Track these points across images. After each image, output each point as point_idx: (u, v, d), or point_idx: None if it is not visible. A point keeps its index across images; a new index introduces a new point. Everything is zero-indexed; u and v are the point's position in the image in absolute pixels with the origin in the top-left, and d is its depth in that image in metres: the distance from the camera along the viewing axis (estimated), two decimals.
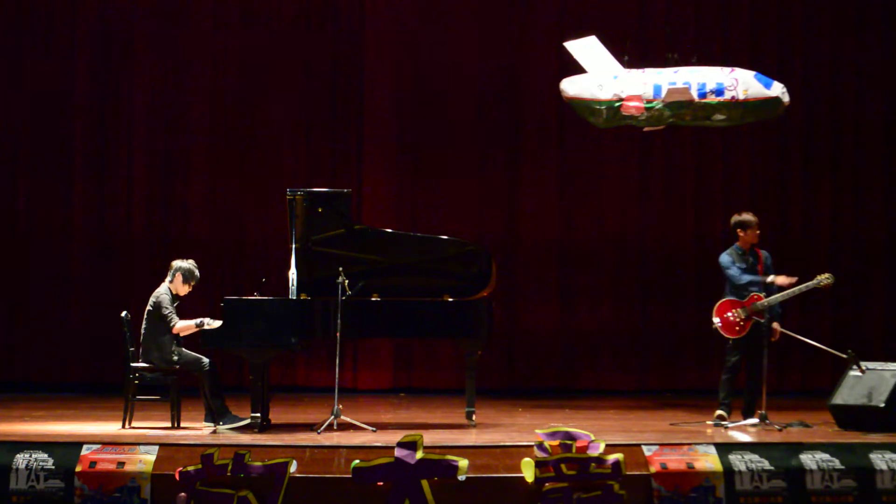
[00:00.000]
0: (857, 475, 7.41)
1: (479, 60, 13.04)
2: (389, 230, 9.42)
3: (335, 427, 8.48)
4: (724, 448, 7.50)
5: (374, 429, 8.48)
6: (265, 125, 12.96)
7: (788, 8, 13.11)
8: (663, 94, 10.16)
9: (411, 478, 7.02)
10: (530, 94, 12.97)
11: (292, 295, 8.71)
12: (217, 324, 8.66)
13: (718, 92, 10.13)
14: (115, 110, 12.91)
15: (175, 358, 8.81)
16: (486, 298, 9.18)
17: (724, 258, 9.33)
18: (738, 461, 7.37)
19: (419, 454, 7.08)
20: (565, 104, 10.74)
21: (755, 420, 8.99)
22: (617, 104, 10.26)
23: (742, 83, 10.13)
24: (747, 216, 9.40)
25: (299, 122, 13.01)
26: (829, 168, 13.07)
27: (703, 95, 10.14)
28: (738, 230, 9.39)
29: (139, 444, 7.39)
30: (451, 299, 9.06)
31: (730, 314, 9.14)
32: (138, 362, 8.84)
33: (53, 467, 7.20)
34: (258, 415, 8.56)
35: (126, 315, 8.94)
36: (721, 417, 9.14)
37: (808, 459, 7.44)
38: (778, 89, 10.16)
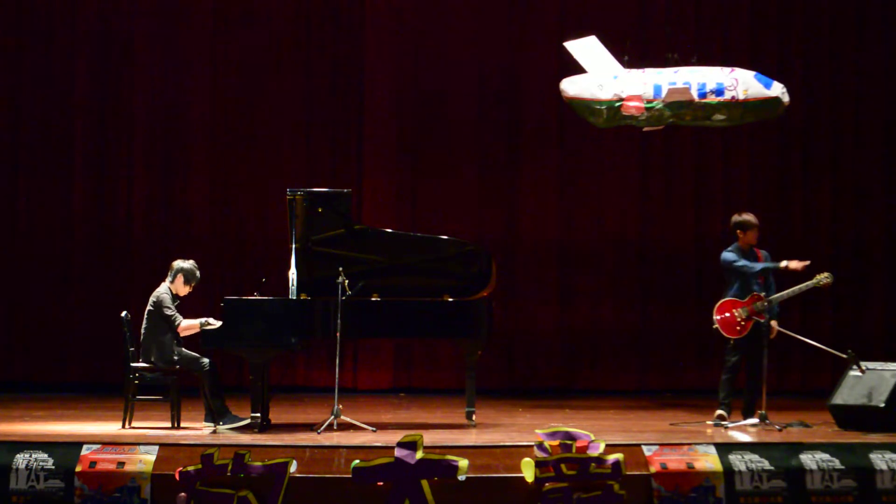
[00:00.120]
0: (857, 475, 7.41)
1: (479, 60, 13.05)
2: (389, 230, 9.42)
3: (335, 427, 8.47)
4: (724, 448, 7.49)
5: (374, 429, 8.48)
6: (265, 125, 12.96)
7: (788, 8, 13.10)
8: (663, 94, 10.15)
9: (411, 478, 7.02)
10: (530, 94, 12.97)
11: (292, 295, 8.71)
12: (219, 324, 8.67)
13: (718, 92, 10.13)
14: (115, 110, 12.91)
15: (175, 357, 8.81)
16: (486, 298, 9.18)
17: (728, 255, 9.31)
18: (738, 461, 7.36)
19: (419, 454, 7.08)
20: (565, 104, 10.73)
21: (755, 420, 8.99)
22: (617, 104, 10.25)
23: (742, 83, 10.13)
24: (748, 217, 9.40)
25: (299, 122, 13.01)
26: (829, 168, 13.07)
27: (703, 95, 10.14)
28: (738, 231, 9.38)
29: (139, 444, 7.39)
30: (451, 299, 9.06)
31: (730, 314, 9.13)
32: (138, 362, 8.84)
33: (53, 467, 7.20)
34: (258, 415, 8.55)
35: (126, 315, 8.94)
36: (721, 417, 9.14)
37: (808, 459, 7.44)
38: (778, 89, 10.16)
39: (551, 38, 12.22)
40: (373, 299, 8.91)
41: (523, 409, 10.73)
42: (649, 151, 12.96)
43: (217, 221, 12.90)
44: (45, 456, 7.24)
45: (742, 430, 8.77)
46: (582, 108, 10.43)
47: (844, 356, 9.07)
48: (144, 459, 7.21)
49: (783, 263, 9.19)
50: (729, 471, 7.31)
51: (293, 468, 7.11)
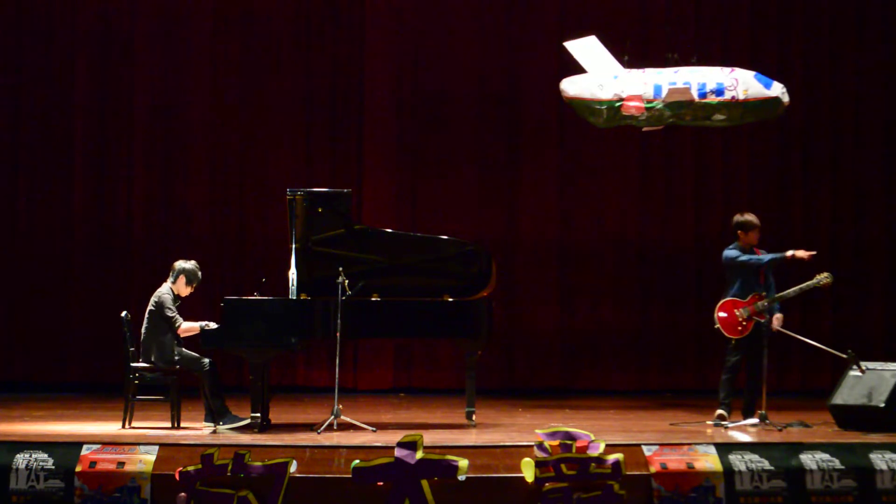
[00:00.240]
0: (857, 475, 7.40)
1: (479, 60, 13.05)
2: (389, 230, 9.42)
3: (335, 427, 8.47)
4: (724, 448, 7.49)
5: (374, 429, 8.48)
6: (265, 125, 12.96)
7: (788, 8, 13.10)
8: (664, 94, 10.15)
9: (411, 478, 7.02)
10: (530, 94, 12.97)
11: (292, 295, 8.71)
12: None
13: (718, 92, 10.13)
14: (115, 110, 12.91)
15: (176, 358, 8.81)
16: (486, 298, 9.18)
17: (732, 252, 9.29)
18: (738, 461, 7.36)
19: (419, 454, 7.08)
20: (565, 104, 10.73)
21: (755, 420, 8.99)
22: (617, 104, 10.25)
23: (742, 83, 10.13)
24: (749, 217, 9.39)
25: (299, 122, 13.01)
26: (829, 168, 13.07)
27: (703, 95, 10.14)
28: (740, 231, 9.37)
29: (139, 444, 7.39)
30: (451, 299, 9.06)
31: (732, 314, 9.12)
32: (138, 362, 8.84)
33: (53, 467, 7.20)
34: (258, 415, 8.55)
35: (126, 315, 8.94)
36: (721, 417, 9.14)
37: (808, 459, 7.44)
38: (778, 89, 10.16)
39: (551, 38, 12.22)
40: (373, 299, 8.91)
41: (523, 409, 10.73)
42: (649, 151, 12.96)
43: (217, 221, 12.90)
44: (45, 456, 7.24)
45: (742, 430, 8.77)
46: (582, 108, 10.43)
47: (844, 356, 9.07)
48: (144, 459, 7.21)
49: (789, 253, 9.18)
50: (729, 471, 7.31)
51: (293, 468, 7.11)
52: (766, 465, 7.36)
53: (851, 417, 8.75)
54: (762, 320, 9.04)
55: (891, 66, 13.05)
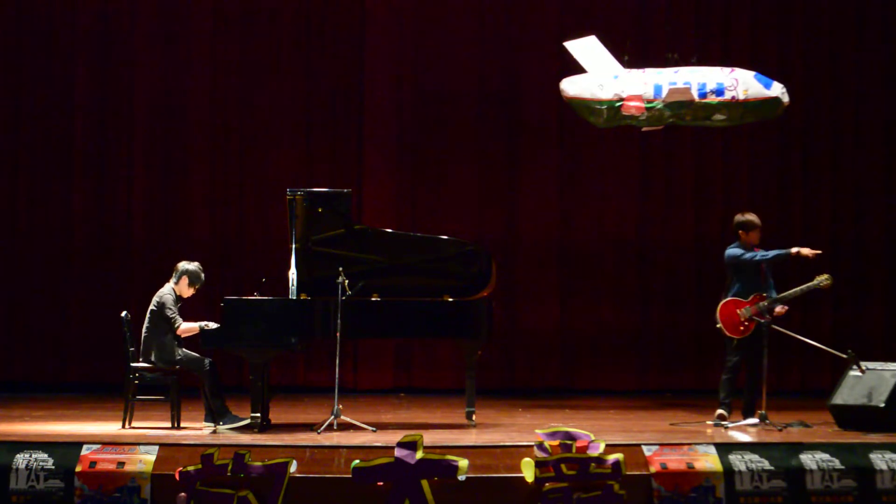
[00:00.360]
0: (857, 475, 7.40)
1: (479, 60, 13.05)
2: (389, 230, 9.42)
3: (335, 427, 8.47)
4: (724, 448, 7.49)
5: (374, 429, 8.48)
6: (265, 125, 12.96)
7: (788, 8, 13.10)
8: (664, 94, 10.15)
9: (411, 478, 7.02)
10: (530, 94, 12.97)
11: (292, 295, 8.71)
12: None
13: (718, 92, 10.13)
14: (115, 110, 12.91)
15: (176, 358, 8.81)
16: (486, 298, 9.18)
17: (735, 250, 9.27)
18: (738, 461, 7.36)
19: (419, 454, 7.08)
20: (565, 104, 10.73)
21: (755, 420, 8.98)
22: (617, 104, 10.25)
23: (742, 83, 10.13)
24: (750, 217, 9.38)
25: (299, 122, 13.01)
26: (829, 168, 13.07)
27: (703, 95, 10.14)
28: (741, 231, 9.36)
29: (139, 444, 7.39)
30: (451, 299, 9.06)
31: (734, 314, 9.11)
32: (138, 362, 8.84)
33: (53, 467, 7.20)
34: (258, 415, 8.56)
35: (126, 315, 8.94)
36: (721, 417, 9.14)
37: (808, 459, 7.44)
38: (778, 89, 10.16)
39: (551, 38, 12.22)
40: (373, 299, 8.91)
41: (523, 409, 10.73)
42: (649, 151, 12.96)
43: (217, 221, 12.90)
44: (45, 456, 7.24)
45: (742, 430, 8.77)
46: (582, 108, 10.43)
47: (844, 356, 9.07)
48: (144, 459, 7.21)
49: (794, 250, 9.17)
50: (729, 471, 7.30)
51: (293, 468, 7.11)
52: (766, 465, 7.36)
53: (851, 417, 8.75)
54: (762, 321, 9.04)
55: (891, 66, 13.05)
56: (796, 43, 13.08)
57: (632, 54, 10.57)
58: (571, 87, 10.43)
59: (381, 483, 7.05)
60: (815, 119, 13.05)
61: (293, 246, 8.80)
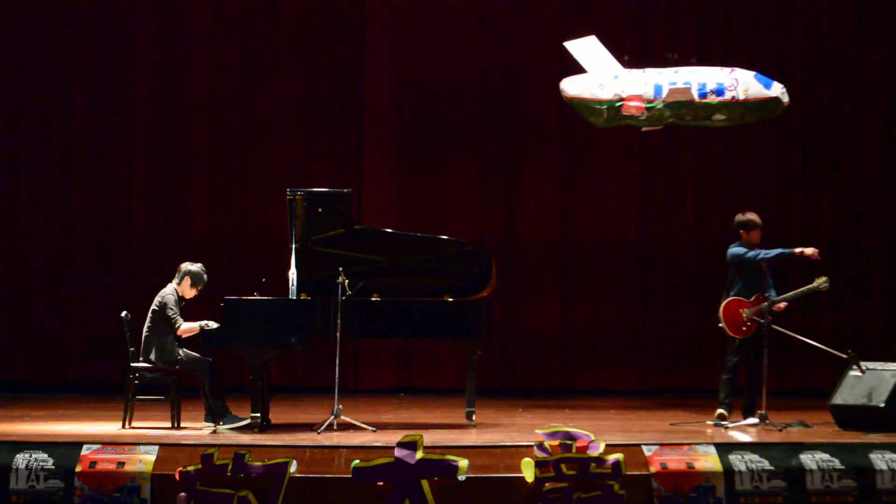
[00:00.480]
0: (857, 475, 7.40)
1: (479, 60, 13.05)
2: (389, 230, 9.42)
3: (335, 427, 8.47)
4: (724, 448, 7.49)
5: (374, 429, 8.48)
6: (265, 125, 12.96)
7: (788, 8, 13.10)
8: (664, 94, 10.15)
9: (411, 478, 7.02)
10: (530, 94, 12.97)
11: (292, 295, 8.71)
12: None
13: (718, 92, 10.13)
14: (115, 110, 12.92)
15: (176, 358, 8.81)
16: (486, 298, 9.18)
17: (738, 249, 9.26)
18: (738, 461, 7.36)
19: (419, 454, 7.08)
20: (565, 104, 10.73)
21: (755, 420, 8.98)
22: (618, 104, 10.25)
23: (742, 83, 10.14)
24: (752, 216, 9.37)
25: (299, 122, 13.01)
26: (829, 168, 13.07)
27: (703, 95, 10.14)
28: (742, 230, 9.35)
29: (139, 444, 7.39)
30: (451, 299, 9.06)
31: (737, 314, 9.11)
32: (138, 362, 8.84)
33: (53, 467, 7.20)
34: (258, 415, 8.56)
35: (126, 315, 8.94)
36: (722, 417, 9.14)
37: (808, 459, 7.44)
38: (778, 89, 10.17)
39: (551, 38, 12.22)
40: (373, 299, 8.91)
41: (523, 409, 10.73)
42: (649, 151, 12.96)
43: (217, 221, 12.90)
44: (45, 456, 7.24)
45: (742, 430, 8.77)
46: (582, 108, 10.43)
47: (844, 356, 9.07)
48: (144, 459, 7.21)
49: (798, 250, 9.17)
50: (729, 471, 7.30)
51: (293, 468, 7.11)
52: (766, 465, 7.36)
53: (851, 417, 8.75)
54: (762, 321, 9.04)
55: (891, 66, 13.05)
56: (796, 43, 13.08)
57: (632, 54, 10.57)
58: (571, 87, 10.44)
59: (381, 483, 7.05)
60: (815, 119, 13.05)
61: (293, 246, 8.81)
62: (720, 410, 9.18)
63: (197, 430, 8.66)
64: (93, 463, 7.21)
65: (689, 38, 12.41)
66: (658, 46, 11.63)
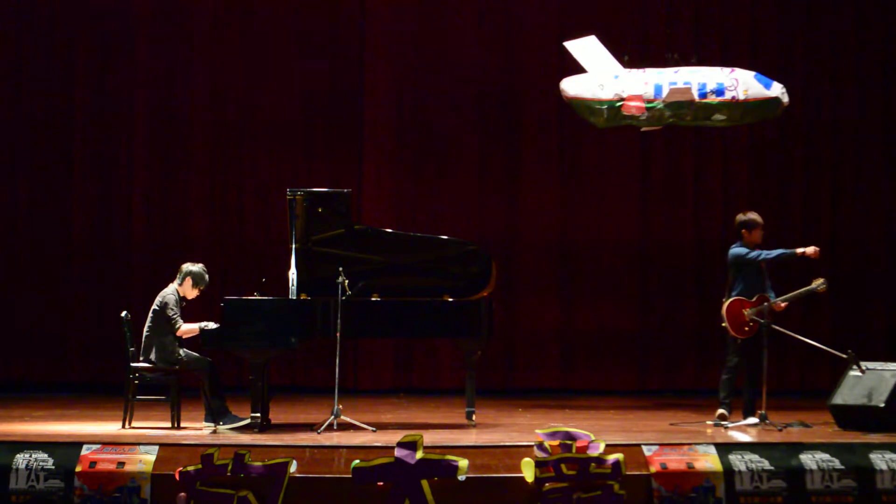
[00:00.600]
0: (857, 475, 7.40)
1: (479, 60, 13.04)
2: (389, 230, 9.42)
3: (335, 427, 8.47)
4: (724, 448, 7.49)
5: (374, 429, 8.48)
6: (265, 125, 12.96)
7: (788, 8, 13.10)
8: (664, 94, 10.15)
9: (411, 478, 7.02)
10: (530, 94, 12.97)
11: (292, 295, 8.71)
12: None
13: (718, 92, 10.13)
14: (116, 110, 12.91)
15: (176, 358, 8.82)
16: (487, 298, 9.18)
17: (740, 249, 9.26)
18: (738, 461, 7.36)
19: (419, 454, 7.08)
20: (565, 104, 10.73)
21: (755, 420, 8.99)
22: (618, 104, 10.25)
23: (742, 83, 10.14)
24: (753, 216, 9.37)
25: (299, 122, 13.00)
26: (829, 168, 13.07)
27: (703, 95, 10.14)
28: (744, 230, 9.35)
29: (139, 444, 7.39)
30: (451, 299, 9.06)
31: (740, 314, 9.10)
32: (139, 362, 8.84)
33: (53, 467, 7.19)
34: (258, 415, 8.56)
35: (126, 315, 8.94)
36: (722, 416, 9.14)
37: (808, 459, 7.44)
38: (778, 89, 10.17)
39: (551, 38, 12.22)
40: (373, 299, 8.91)
41: (523, 409, 10.73)
42: (649, 151, 12.96)
43: (217, 221, 12.89)
44: (45, 456, 7.24)
45: (742, 430, 8.77)
46: (582, 108, 10.43)
47: (844, 356, 9.07)
48: (144, 459, 7.21)
49: (799, 250, 9.18)
50: (729, 471, 7.31)
51: (293, 468, 7.11)
52: (766, 465, 7.36)
53: (851, 417, 8.75)
54: (762, 321, 9.04)
55: (891, 66, 13.05)
56: (796, 43, 13.08)
57: (632, 54, 10.57)
58: (571, 87, 10.43)
59: (381, 483, 7.05)
60: (816, 118, 13.04)
61: (293, 246, 8.81)
62: (721, 410, 9.18)
63: (197, 430, 8.66)
64: (93, 463, 7.20)
65: (689, 38, 12.40)
66: (658, 46, 11.63)
